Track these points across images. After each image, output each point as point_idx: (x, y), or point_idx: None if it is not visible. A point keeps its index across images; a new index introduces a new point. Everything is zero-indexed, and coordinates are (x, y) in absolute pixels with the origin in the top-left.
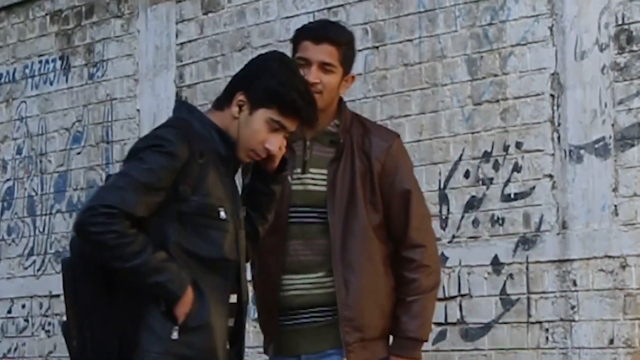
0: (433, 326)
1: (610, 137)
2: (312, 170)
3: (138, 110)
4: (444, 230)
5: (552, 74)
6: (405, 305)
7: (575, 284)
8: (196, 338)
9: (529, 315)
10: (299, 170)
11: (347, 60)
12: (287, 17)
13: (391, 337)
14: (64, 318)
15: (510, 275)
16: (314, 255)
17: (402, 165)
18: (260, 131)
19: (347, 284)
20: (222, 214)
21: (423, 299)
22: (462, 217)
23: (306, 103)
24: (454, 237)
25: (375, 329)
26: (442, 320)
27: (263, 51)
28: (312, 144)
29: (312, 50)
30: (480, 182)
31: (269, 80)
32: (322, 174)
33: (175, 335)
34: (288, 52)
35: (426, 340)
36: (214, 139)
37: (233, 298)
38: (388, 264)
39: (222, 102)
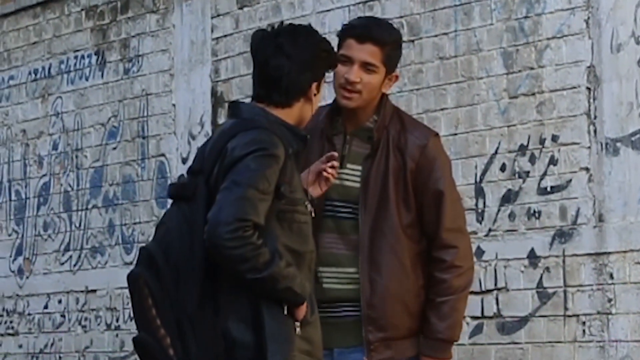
0: (470, 320)
1: None
2: (349, 165)
3: (174, 105)
4: (480, 223)
5: (588, 67)
6: (435, 306)
7: (612, 277)
8: (311, 332)
9: (566, 309)
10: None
11: (390, 61)
12: (323, 12)
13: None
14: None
15: (547, 269)
16: (347, 250)
17: (437, 165)
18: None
19: (372, 283)
20: (309, 207)
21: (453, 300)
22: (499, 210)
23: None
24: (490, 230)
25: (401, 328)
26: (479, 314)
27: None
28: (351, 139)
29: (355, 49)
30: (517, 176)
31: (327, 57)
32: (358, 169)
33: (298, 331)
34: None
35: (456, 341)
36: (285, 136)
37: None
38: (417, 263)
39: (285, 100)
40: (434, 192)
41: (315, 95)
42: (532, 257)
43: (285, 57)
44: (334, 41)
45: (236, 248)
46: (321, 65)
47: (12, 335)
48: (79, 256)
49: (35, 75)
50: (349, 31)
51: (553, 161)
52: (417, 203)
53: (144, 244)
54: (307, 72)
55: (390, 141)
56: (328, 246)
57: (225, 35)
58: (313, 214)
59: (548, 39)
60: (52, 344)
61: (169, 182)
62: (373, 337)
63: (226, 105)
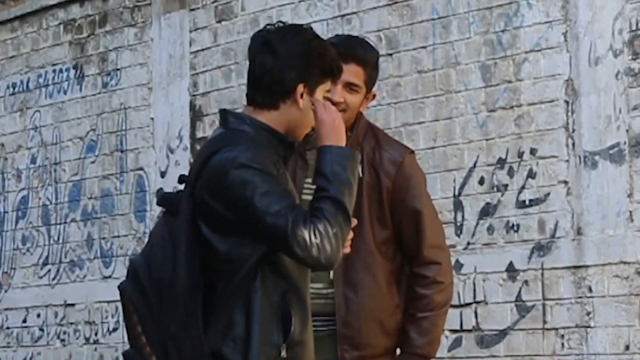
0: (448, 333)
1: (624, 143)
2: None
3: (152, 119)
4: (459, 237)
5: (566, 80)
6: (415, 321)
7: (590, 290)
8: (300, 353)
9: (545, 322)
10: (309, 180)
11: (371, 80)
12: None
13: (398, 351)
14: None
15: (526, 282)
16: None
17: (413, 183)
18: None
19: (347, 301)
20: None
21: (434, 316)
22: (477, 223)
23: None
24: (469, 243)
25: (376, 347)
26: (458, 327)
27: None
28: None
29: None
30: (495, 189)
31: (321, 60)
32: None
33: (284, 354)
34: None
35: (433, 357)
36: (271, 143)
37: None
38: (392, 281)
39: (268, 101)
40: (412, 210)
41: (302, 98)
42: (511, 271)
43: (271, 53)
44: None
45: (320, 243)
46: (311, 65)
47: None
48: (58, 270)
49: (14, 89)
50: None
51: (531, 174)
52: (395, 221)
53: (130, 256)
54: (292, 71)
55: (365, 158)
56: None
57: (203, 49)
58: None
59: (526, 52)
60: (30, 358)
61: (147, 196)
62: (349, 355)
63: (204, 119)
